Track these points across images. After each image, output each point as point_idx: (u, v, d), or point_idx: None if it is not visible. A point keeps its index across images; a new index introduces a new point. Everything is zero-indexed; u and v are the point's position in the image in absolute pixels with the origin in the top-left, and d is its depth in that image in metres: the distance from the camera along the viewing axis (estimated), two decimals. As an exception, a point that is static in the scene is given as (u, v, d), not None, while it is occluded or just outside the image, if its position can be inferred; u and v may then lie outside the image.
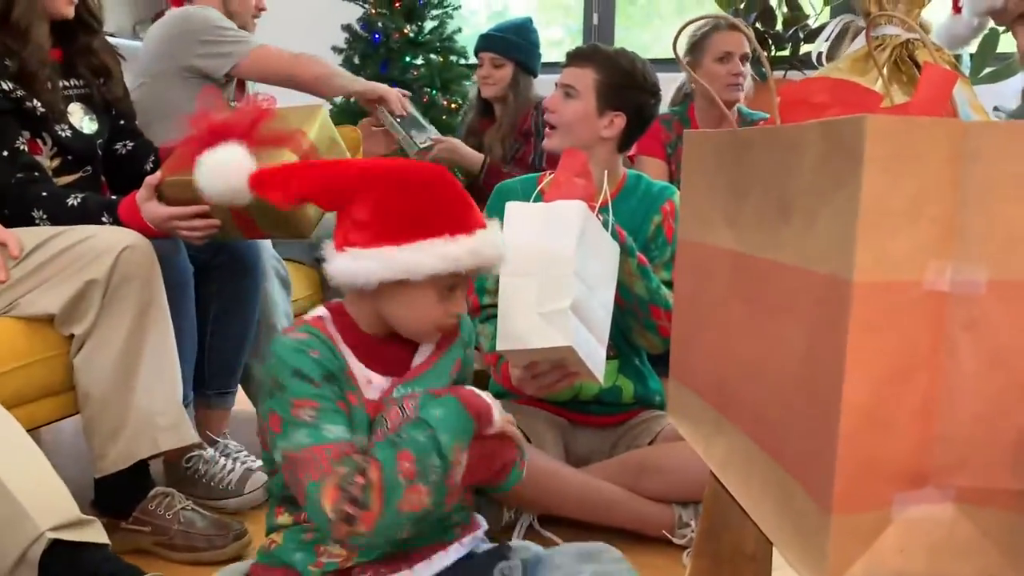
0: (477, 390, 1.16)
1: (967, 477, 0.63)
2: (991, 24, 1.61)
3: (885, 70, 1.05)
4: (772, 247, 0.74)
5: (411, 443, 1.05)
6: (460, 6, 3.63)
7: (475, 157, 2.53)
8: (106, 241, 1.44)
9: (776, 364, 0.72)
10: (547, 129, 1.79)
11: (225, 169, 1.20)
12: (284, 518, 1.13)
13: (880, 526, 0.63)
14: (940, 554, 0.64)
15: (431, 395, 1.12)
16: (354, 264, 1.07)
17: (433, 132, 2.42)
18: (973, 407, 0.62)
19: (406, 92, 2.31)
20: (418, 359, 1.16)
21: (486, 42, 2.60)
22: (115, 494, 1.56)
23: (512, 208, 1.50)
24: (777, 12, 3.53)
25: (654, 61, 1.88)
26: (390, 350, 1.14)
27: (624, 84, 1.73)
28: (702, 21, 2.39)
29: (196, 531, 1.54)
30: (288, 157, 1.44)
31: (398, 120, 2.30)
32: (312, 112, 1.52)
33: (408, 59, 3.51)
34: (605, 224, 1.57)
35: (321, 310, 1.14)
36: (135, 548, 1.54)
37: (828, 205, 0.64)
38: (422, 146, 2.38)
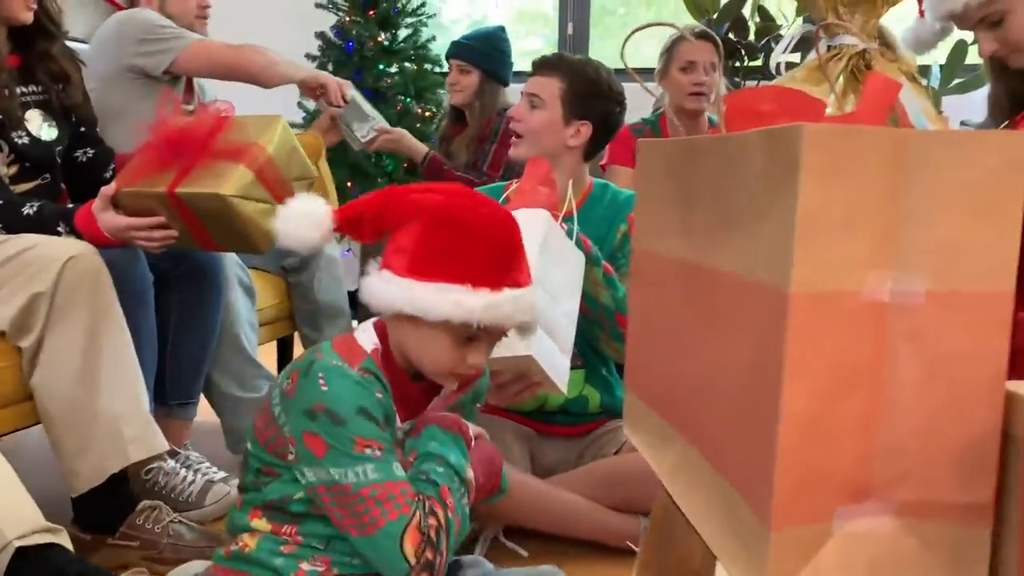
0: (437, 412, 1.17)
1: (909, 490, 0.62)
2: (956, 29, 1.62)
3: (841, 79, 1.05)
4: (718, 257, 0.73)
5: (439, 477, 1.06)
6: (435, 15, 3.63)
7: (420, 148, 2.56)
8: (50, 252, 1.41)
9: (722, 375, 0.71)
10: (513, 138, 1.78)
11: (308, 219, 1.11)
12: (260, 523, 1.11)
13: (820, 540, 0.62)
14: (881, 568, 0.63)
15: (410, 437, 1.12)
16: (381, 287, 1.06)
17: (378, 121, 2.40)
18: (914, 419, 0.61)
19: (343, 81, 2.29)
20: (432, 403, 1.17)
21: (454, 49, 2.62)
22: (97, 510, 1.52)
23: None
24: (750, 22, 3.55)
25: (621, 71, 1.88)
26: (413, 392, 1.13)
27: (590, 93, 1.73)
28: (655, 28, 2.41)
29: (185, 543, 1.51)
30: (243, 171, 1.42)
31: (340, 111, 2.28)
32: (271, 122, 1.51)
33: (382, 67, 3.51)
34: (570, 233, 1.56)
35: (373, 337, 1.11)
36: (123, 564, 1.51)
37: (768, 215, 0.63)
38: (364, 139, 2.37)
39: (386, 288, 1.05)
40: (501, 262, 1.06)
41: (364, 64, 3.52)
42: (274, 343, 2.33)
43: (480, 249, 1.05)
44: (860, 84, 1.13)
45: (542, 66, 1.76)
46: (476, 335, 1.07)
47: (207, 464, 1.80)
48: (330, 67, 3.56)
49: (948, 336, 0.60)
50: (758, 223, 0.65)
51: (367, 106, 2.38)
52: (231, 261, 1.86)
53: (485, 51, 2.56)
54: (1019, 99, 1.61)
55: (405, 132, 2.56)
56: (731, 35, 3.51)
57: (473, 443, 1.16)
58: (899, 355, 0.60)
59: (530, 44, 4.54)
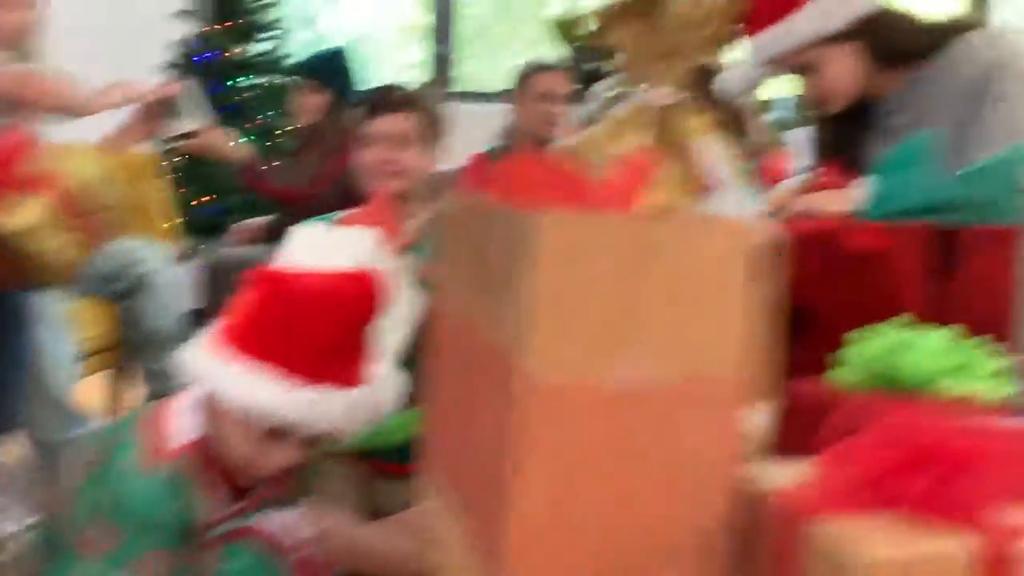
0: (280, 513, 1.09)
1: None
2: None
3: (646, 134, 1.06)
4: (486, 327, 0.71)
5: None
6: (290, 30, 3.55)
7: (234, 155, 2.39)
8: None
9: (479, 453, 0.69)
10: (379, 175, 1.75)
11: None
12: None
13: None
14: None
15: (230, 543, 1.03)
16: (194, 354, 0.95)
17: (197, 123, 2.24)
18: (650, 512, 0.60)
19: (167, 84, 2.16)
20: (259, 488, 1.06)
21: (301, 69, 2.56)
22: None
23: (298, 231, 1.43)
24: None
25: (489, 95, 1.92)
26: (235, 486, 1.03)
27: (436, 122, 1.83)
28: (520, 51, 2.42)
29: None
30: (40, 202, 1.32)
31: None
32: (77, 150, 1.41)
33: (238, 80, 3.40)
34: (414, 263, 1.53)
35: (194, 421, 0.98)
36: None
37: (516, 295, 0.61)
38: (168, 135, 2.21)
39: (196, 356, 0.95)
40: (331, 356, 0.93)
41: (221, 76, 3.39)
42: (104, 373, 2.20)
43: (314, 334, 0.92)
44: (670, 137, 1.14)
45: (395, 105, 1.78)
46: (280, 431, 0.95)
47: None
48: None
49: (683, 426, 0.59)
50: (508, 300, 0.63)
51: (195, 110, 2.20)
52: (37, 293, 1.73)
53: (332, 71, 2.51)
54: (836, 145, 1.68)
55: (219, 137, 2.34)
56: (598, 65, 3.56)
57: (305, 546, 1.08)
58: (635, 446, 0.59)
59: (408, 57, 4.50)
